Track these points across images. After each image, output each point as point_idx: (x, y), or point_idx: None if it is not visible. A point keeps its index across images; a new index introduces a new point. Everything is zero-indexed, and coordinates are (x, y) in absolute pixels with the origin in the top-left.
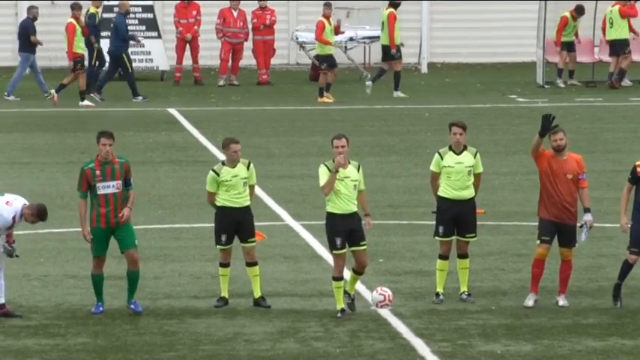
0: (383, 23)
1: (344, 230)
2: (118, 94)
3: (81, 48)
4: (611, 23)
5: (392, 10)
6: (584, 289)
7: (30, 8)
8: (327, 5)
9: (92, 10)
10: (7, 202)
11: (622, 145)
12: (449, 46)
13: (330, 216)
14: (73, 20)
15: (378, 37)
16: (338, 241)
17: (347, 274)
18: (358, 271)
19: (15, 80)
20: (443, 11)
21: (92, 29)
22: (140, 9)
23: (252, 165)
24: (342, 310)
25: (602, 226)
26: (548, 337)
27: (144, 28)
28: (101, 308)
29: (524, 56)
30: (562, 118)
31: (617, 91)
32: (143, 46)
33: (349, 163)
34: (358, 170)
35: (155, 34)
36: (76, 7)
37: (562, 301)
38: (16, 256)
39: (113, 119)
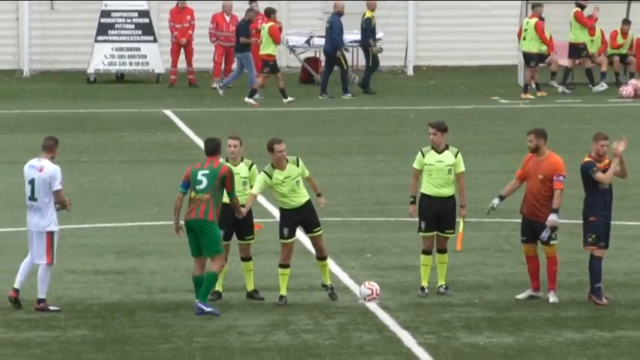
0: (571, 22)
1: (295, 222)
2: (116, 95)
3: (276, 51)
4: None
5: (578, 9)
6: (563, 283)
7: (248, 11)
8: (538, 5)
9: (368, 14)
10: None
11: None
12: (434, 49)
13: (282, 210)
14: (274, 24)
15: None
16: (285, 231)
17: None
18: (320, 256)
19: (234, 78)
20: (428, 16)
21: (368, 33)
22: (137, 14)
23: (254, 167)
24: (281, 297)
25: (581, 223)
26: (529, 329)
27: (140, 32)
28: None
29: (506, 59)
30: (543, 118)
31: (595, 93)
32: (139, 50)
33: (286, 161)
34: (297, 165)
35: (151, 38)
36: (272, 12)
37: (552, 298)
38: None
39: (111, 120)
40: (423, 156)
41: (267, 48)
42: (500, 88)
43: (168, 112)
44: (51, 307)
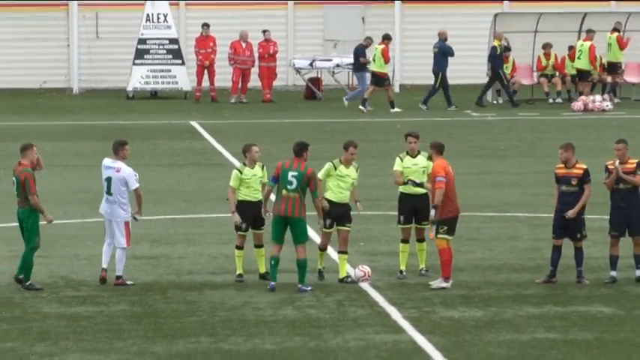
0: (611, 44)
1: (336, 215)
2: (151, 109)
3: (385, 68)
4: None
5: (618, 33)
6: (525, 267)
7: (366, 38)
8: (591, 31)
9: (495, 43)
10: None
11: (556, 150)
12: (417, 71)
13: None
14: (386, 47)
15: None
16: (327, 222)
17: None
18: (343, 250)
19: (360, 92)
20: (412, 43)
21: (494, 59)
22: (168, 41)
23: (265, 167)
24: (320, 272)
25: (539, 216)
26: (496, 305)
27: (171, 56)
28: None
29: (477, 79)
30: (507, 129)
31: (551, 107)
32: (170, 71)
33: (352, 165)
34: (357, 171)
35: (180, 61)
36: (387, 37)
37: (443, 284)
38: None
39: (147, 130)
40: (402, 161)
41: (379, 65)
42: (472, 104)
43: (194, 124)
44: (127, 282)
